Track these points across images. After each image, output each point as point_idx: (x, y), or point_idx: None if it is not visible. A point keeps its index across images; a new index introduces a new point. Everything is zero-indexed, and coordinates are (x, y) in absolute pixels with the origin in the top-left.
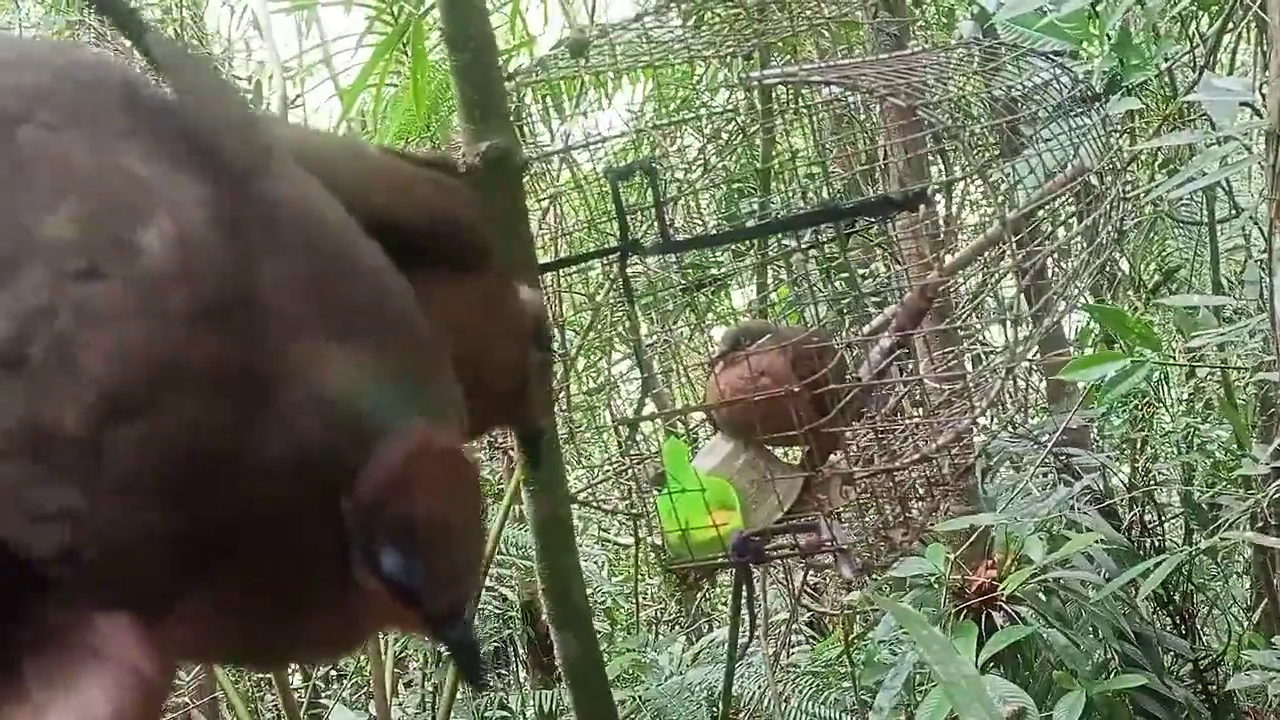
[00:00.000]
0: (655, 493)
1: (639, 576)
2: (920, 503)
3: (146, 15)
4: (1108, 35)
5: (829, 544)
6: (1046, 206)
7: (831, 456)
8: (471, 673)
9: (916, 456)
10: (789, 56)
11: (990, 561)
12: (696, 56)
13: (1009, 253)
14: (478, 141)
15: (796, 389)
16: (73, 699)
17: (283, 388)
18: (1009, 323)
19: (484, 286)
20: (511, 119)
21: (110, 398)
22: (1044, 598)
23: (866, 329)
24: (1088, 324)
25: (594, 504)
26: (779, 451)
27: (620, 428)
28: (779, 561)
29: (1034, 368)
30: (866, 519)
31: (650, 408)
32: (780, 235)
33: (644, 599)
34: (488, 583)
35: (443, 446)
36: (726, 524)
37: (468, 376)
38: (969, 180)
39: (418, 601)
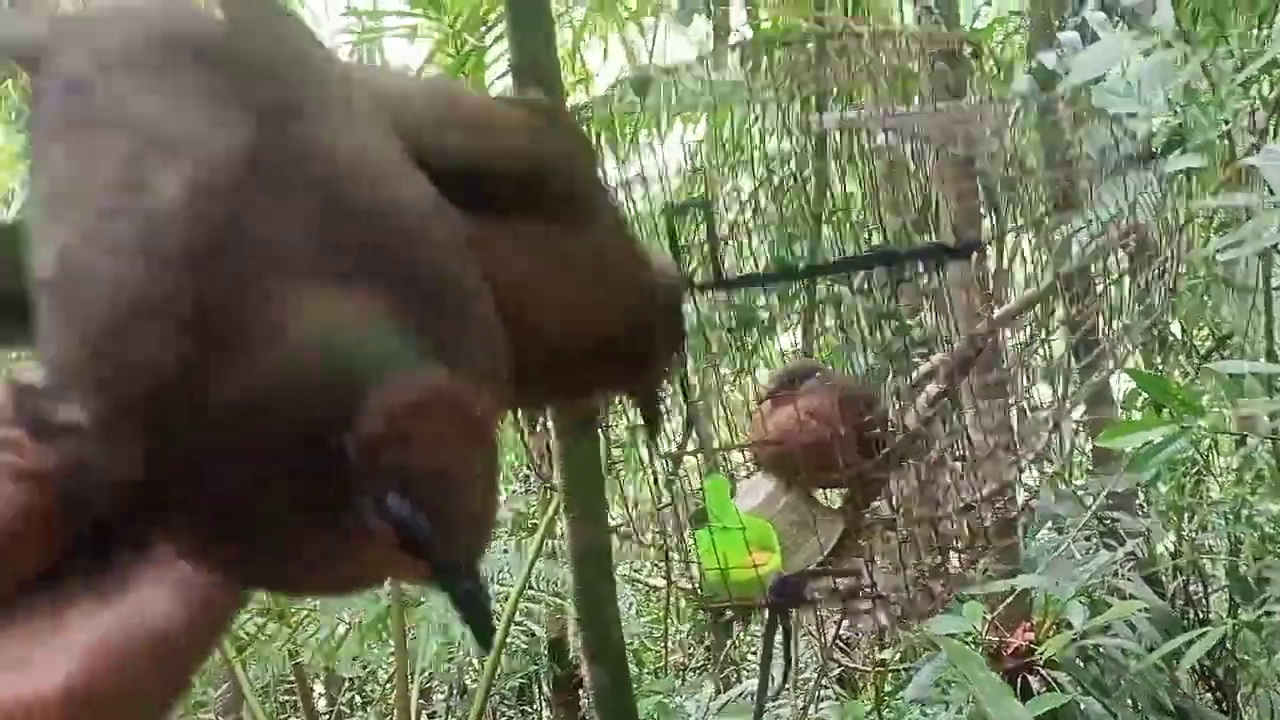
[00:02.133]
0: (695, 529)
1: (669, 620)
2: (961, 555)
3: None
4: (1168, 98)
5: (868, 590)
6: (1099, 263)
7: (874, 502)
8: (481, 630)
9: (960, 506)
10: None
11: (1029, 624)
12: (754, 100)
13: (1060, 307)
14: None
15: (843, 432)
16: (133, 596)
17: (275, 330)
18: (1057, 377)
19: (590, 242)
20: None
21: (96, 332)
22: (1083, 664)
23: (914, 376)
24: (1135, 387)
25: (634, 538)
26: (819, 494)
27: (661, 462)
28: (811, 612)
29: (1080, 427)
30: (906, 568)
31: (693, 444)
32: (831, 279)
33: (672, 644)
34: (516, 617)
35: (448, 395)
36: (765, 564)
37: (566, 333)
38: (1022, 233)
39: (423, 549)
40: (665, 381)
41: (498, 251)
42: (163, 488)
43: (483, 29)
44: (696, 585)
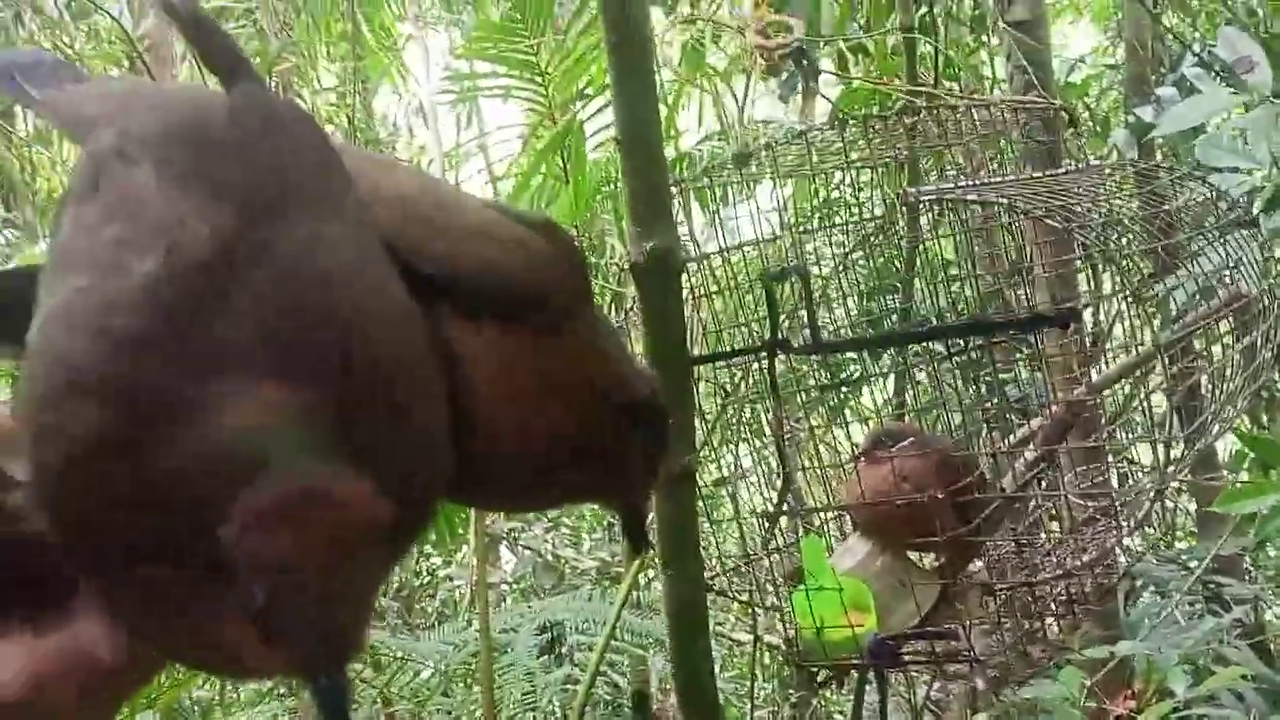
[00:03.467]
0: (791, 588)
1: (755, 675)
2: (1061, 620)
3: (321, 101)
4: (1272, 154)
5: (966, 653)
6: (1203, 325)
7: (970, 566)
8: None
9: (1059, 572)
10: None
11: (1129, 691)
12: (851, 165)
13: (1160, 374)
14: (643, 241)
15: (939, 495)
16: (76, 624)
17: (193, 418)
18: (1160, 443)
19: (565, 349)
20: (674, 221)
21: (47, 395)
22: None
23: (1010, 440)
24: (1244, 449)
25: (729, 594)
26: (914, 557)
27: (753, 520)
28: (902, 674)
29: (1184, 489)
30: (1004, 632)
31: (788, 503)
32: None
33: (757, 701)
34: (600, 668)
35: (322, 498)
36: (862, 625)
37: (540, 438)
38: (1121, 299)
39: (283, 644)
40: (647, 495)
41: (476, 356)
42: (79, 545)
43: (579, 102)
44: (792, 644)
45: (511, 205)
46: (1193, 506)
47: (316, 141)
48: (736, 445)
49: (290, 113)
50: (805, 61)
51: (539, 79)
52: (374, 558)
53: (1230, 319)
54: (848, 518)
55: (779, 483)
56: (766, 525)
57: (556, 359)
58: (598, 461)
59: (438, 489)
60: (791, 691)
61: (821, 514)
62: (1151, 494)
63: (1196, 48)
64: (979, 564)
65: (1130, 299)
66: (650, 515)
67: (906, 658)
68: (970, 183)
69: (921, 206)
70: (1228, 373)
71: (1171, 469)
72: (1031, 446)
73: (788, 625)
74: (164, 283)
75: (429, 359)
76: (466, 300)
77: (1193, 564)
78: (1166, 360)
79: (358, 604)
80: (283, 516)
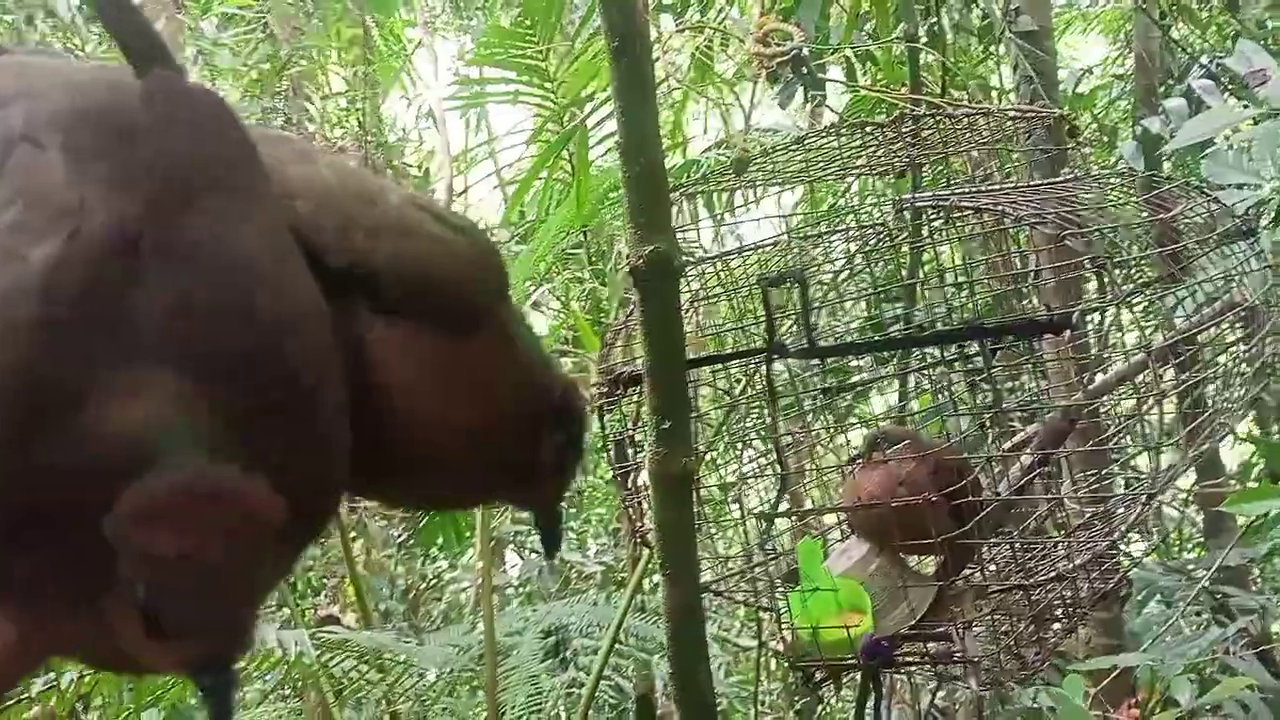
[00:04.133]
0: (787, 589)
1: (759, 680)
2: (1056, 624)
3: (331, 105)
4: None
5: (959, 654)
6: (1207, 333)
7: (966, 569)
8: None
9: (1053, 575)
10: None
11: (1133, 700)
12: (850, 171)
13: (1154, 380)
14: (642, 245)
15: (935, 499)
16: None
17: (86, 407)
18: (1154, 450)
19: (481, 351)
20: (673, 225)
21: None
22: None
23: (1008, 445)
24: (1251, 456)
25: (726, 595)
26: (911, 560)
27: (753, 523)
28: (907, 679)
29: (1190, 499)
30: (999, 635)
31: (785, 505)
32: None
33: (762, 706)
34: (605, 672)
35: (206, 493)
36: (857, 626)
37: (452, 438)
38: (1120, 306)
39: (165, 638)
40: (561, 499)
41: (390, 355)
42: None
43: (588, 107)
44: (788, 644)
45: (435, 202)
46: (1200, 517)
47: (233, 131)
48: (740, 450)
49: (206, 101)
50: (804, 69)
51: (547, 84)
52: (264, 556)
53: (1230, 327)
54: (846, 520)
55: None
56: (764, 527)
57: (471, 360)
58: (510, 463)
59: (336, 489)
60: (796, 697)
61: (821, 517)
62: (1144, 499)
63: (1205, 59)
64: (975, 567)
65: (1122, 305)
66: (648, 518)
67: (901, 659)
68: (972, 190)
69: (924, 214)
70: (1224, 381)
71: (1164, 475)
72: (1028, 451)
73: (783, 626)
74: (63, 269)
75: (334, 360)
76: (382, 297)
77: (1199, 573)
78: (1167, 365)
79: (245, 601)
80: (167, 512)
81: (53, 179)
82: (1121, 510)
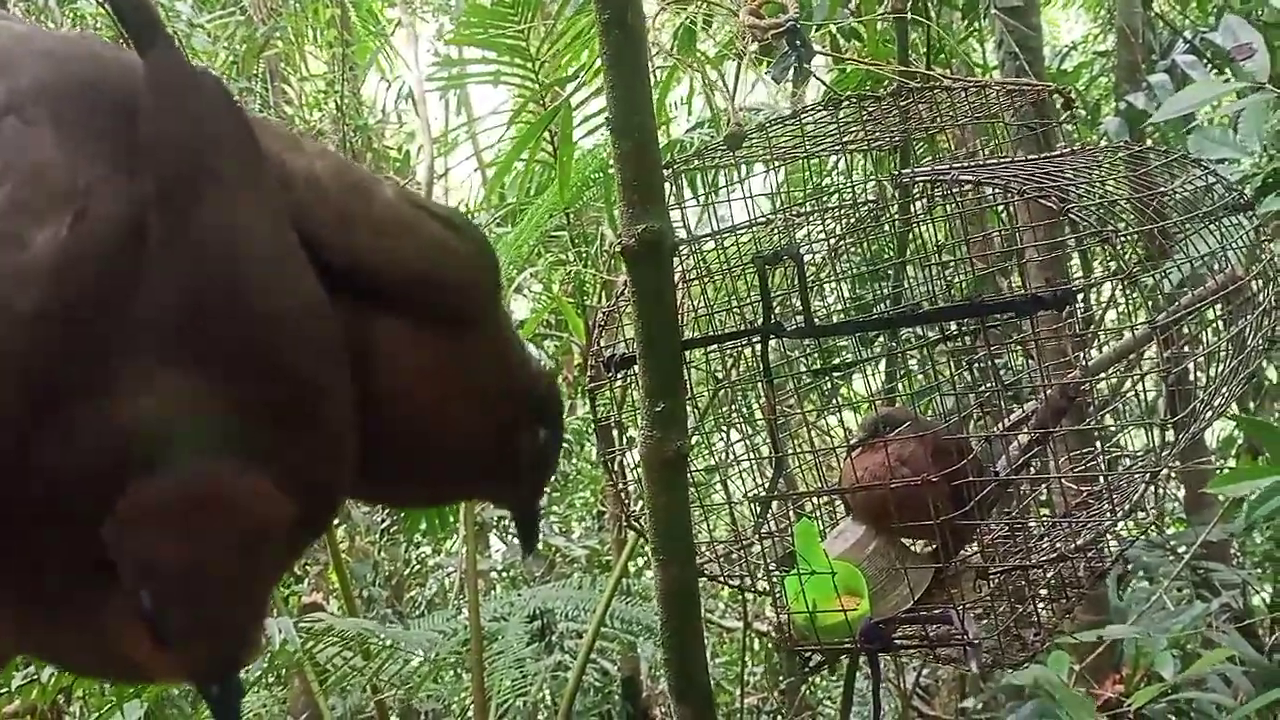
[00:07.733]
0: (783, 572)
1: (745, 661)
2: (1054, 604)
3: (309, 87)
4: (1263, 143)
5: (959, 636)
6: (1195, 310)
7: (963, 550)
8: None
9: (1053, 555)
10: (932, 151)
11: (1118, 675)
12: (844, 149)
13: (1153, 357)
14: (635, 224)
15: (934, 480)
16: None
17: (90, 401)
18: (1154, 428)
19: (473, 347)
20: (667, 204)
21: None
22: (1174, 718)
23: (1004, 424)
24: (1232, 433)
25: (721, 579)
26: (908, 541)
27: (745, 505)
28: (891, 659)
29: (1172, 476)
30: (998, 616)
31: (780, 487)
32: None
33: (747, 687)
34: (590, 655)
35: (220, 495)
36: (854, 609)
37: (440, 435)
38: (1115, 283)
39: (169, 646)
40: (540, 495)
41: (384, 351)
42: None
43: (571, 85)
44: (784, 628)
45: (421, 196)
46: (1181, 493)
47: (236, 117)
48: (728, 431)
49: (209, 85)
50: (799, 42)
51: (529, 64)
52: (270, 558)
53: (1222, 305)
54: (840, 502)
55: (771, 467)
56: (759, 510)
57: (466, 359)
58: (493, 459)
59: (343, 487)
60: (781, 677)
61: (814, 498)
62: (1146, 478)
63: (1188, 34)
64: (972, 548)
65: (1125, 282)
66: (639, 501)
67: (899, 641)
68: (963, 165)
69: (915, 189)
70: (1220, 357)
71: (1165, 453)
72: (1025, 430)
73: (779, 610)
74: (72, 256)
75: (340, 356)
76: (383, 296)
77: (1181, 550)
78: (1163, 344)
79: (252, 606)
80: (171, 517)
81: (47, 156)
82: (1122, 486)
